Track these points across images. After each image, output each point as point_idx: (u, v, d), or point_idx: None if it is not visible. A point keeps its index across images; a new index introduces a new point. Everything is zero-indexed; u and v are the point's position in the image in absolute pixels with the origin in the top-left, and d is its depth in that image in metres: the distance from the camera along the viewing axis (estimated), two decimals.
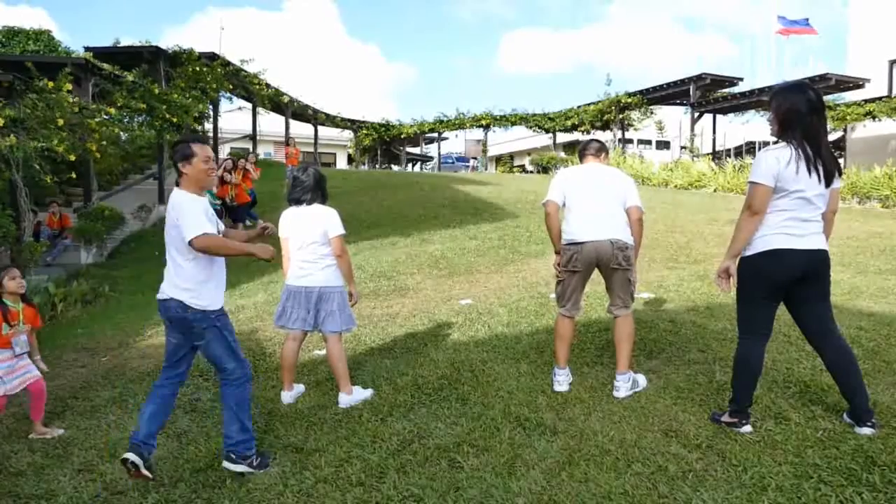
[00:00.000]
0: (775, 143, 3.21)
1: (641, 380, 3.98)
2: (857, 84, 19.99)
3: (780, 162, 3.04)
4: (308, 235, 4.12)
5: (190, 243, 3.10)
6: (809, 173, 3.03)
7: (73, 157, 11.04)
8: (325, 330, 4.16)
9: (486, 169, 34.00)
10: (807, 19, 21.20)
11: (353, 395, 4.12)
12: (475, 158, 35.52)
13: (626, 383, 3.86)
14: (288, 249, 4.24)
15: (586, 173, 4.12)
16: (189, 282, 3.20)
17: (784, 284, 3.12)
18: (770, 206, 3.09)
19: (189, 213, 3.14)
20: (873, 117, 18.71)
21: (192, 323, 3.22)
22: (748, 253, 3.14)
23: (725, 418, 3.30)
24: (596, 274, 4.08)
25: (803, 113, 3.06)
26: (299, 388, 4.41)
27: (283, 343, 4.34)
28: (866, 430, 3.08)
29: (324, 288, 4.12)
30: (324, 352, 5.20)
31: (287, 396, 4.25)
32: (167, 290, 3.24)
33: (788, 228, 3.07)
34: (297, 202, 4.22)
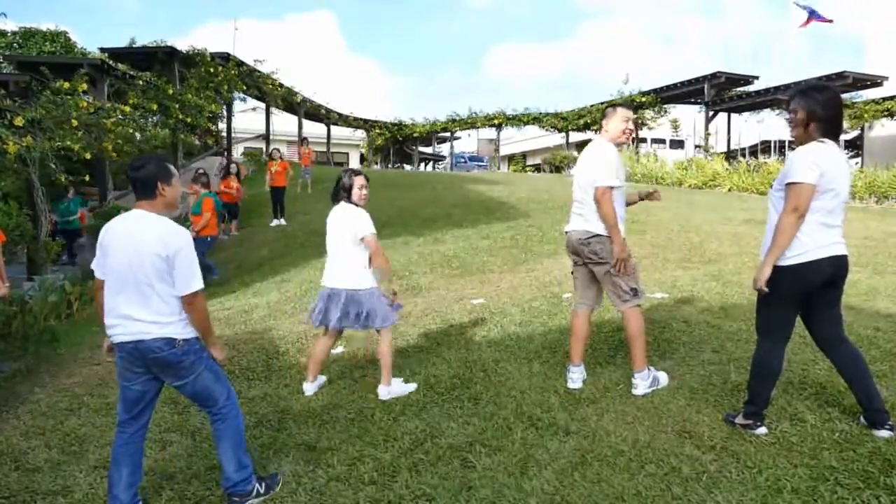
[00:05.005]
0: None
1: (663, 377, 3.96)
2: (875, 82, 19.74)
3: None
4: (339, 237, 4.12)
5: (195, 294, 2.82)
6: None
7: (88, 156, 11.17)
8: (373, 326, 4.18)
9: (498, 168, 33.93)
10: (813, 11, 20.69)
11: (392, 388, 4.15)
12: (486, 157, 35.47)
13: (645, 381, 3.84)
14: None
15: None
16: (176, 312, 2.83)
17: (813, 290, 3.07)
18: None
19: (195, 259, 2.86)
20: (892, 115, 18.50)
21: (181, 358, 2.84)
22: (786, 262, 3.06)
23: (740, 420, 3.27)
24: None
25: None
26: (321, 379, 4.44)
27: (318, 337, 4.35)
28: (884, 433, 3.04)
29: (353, 290, 4.10)
30: (337, 350, 5.22)
31: (309, 388, 4.29)
32: (143, 329, 2.77)
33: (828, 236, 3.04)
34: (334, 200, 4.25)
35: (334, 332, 4.31)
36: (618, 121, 3.88)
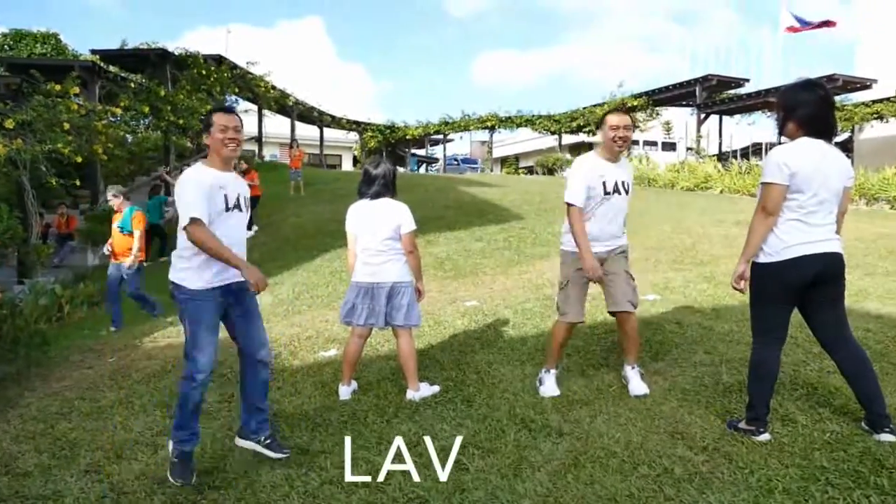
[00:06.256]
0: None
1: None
2: (864, 85, 19.90)
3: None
4: (381, 230, 4.09)
5: (184, 229, 3.00)
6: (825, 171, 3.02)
7: (79, 159, 11.12)
8: (399, 324, 4.14)
9: (491, 170, 33.97)
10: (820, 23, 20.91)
11: (420, 392, 4.13)
12: (479, 159, 35.60)
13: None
14: (354, 244, 4.21)
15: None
16: (176, 255, 3.16)
17: (798, 288, 3.07)
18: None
19: (185, 192, 3.02)
20: (881, 118, 18.63)
21: (174, 298, 3.18)
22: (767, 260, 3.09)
23: (742, 425, 3.22)
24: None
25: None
26: (353, 385, 4.38)
27: (349, 339, 4.33)
28: (886, 437, 2.99)
29: (396, 283, 4.11)
30: (329, 353, 5.21)
31: (344, 391, 4.26)
32: None
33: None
34: (369, 196, 4.17)
35: (367, 329, 4.28)
36: (606, 130, 3.91)
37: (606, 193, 3.87)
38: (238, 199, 3.22)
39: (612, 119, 3.88)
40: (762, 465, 2.90)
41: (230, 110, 3.26)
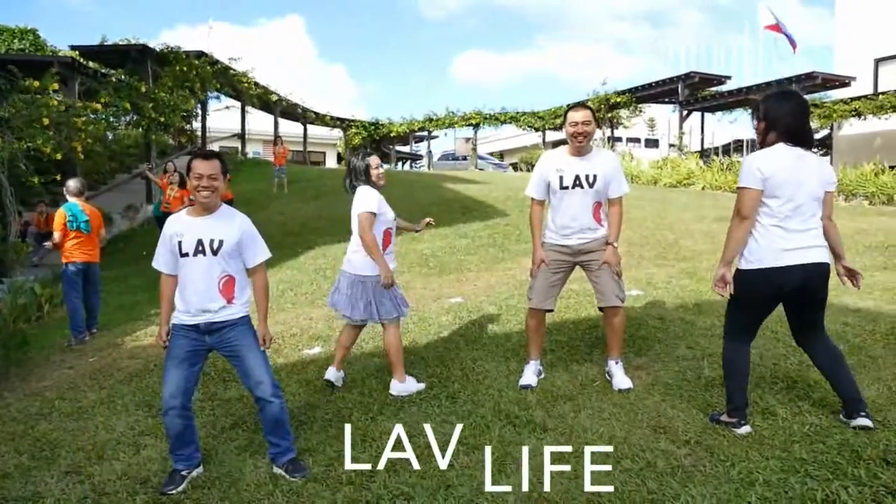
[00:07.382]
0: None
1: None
2: (843, 82, 20.14)
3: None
4: (353, 219, 4.10)
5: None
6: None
7: (58, 157, 10.95)
8: (380, 318, 4.11)
9: (476, 167, 33.94)
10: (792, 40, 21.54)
11: (405, 385, 4.12)
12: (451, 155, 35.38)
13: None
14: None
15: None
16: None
17: (779, 296, 3.12)
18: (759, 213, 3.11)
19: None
20: (859, 115, 18.86)
21: None
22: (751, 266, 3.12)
23: (724, 418, 3.28)
24: (578, 272, 4.30)
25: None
26: (342, 373, 4.38)
27: (344, 327, 4.34)
28: (862, 422, 3.05)
29: (358, 276, 4.08)
30: (314, 351, 5.19)
31: (330, 373, 4.27)
32: None
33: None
34: (348, 189, 4.22)
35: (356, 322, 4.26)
36: (566, 126, 3.97)
37: (563, 188, 3.95)
38: (199, 245, 3.14)
39: (571, 115, 3.93)
40: (743, 457, 2.94)
41: (209, 156, 3.23)
